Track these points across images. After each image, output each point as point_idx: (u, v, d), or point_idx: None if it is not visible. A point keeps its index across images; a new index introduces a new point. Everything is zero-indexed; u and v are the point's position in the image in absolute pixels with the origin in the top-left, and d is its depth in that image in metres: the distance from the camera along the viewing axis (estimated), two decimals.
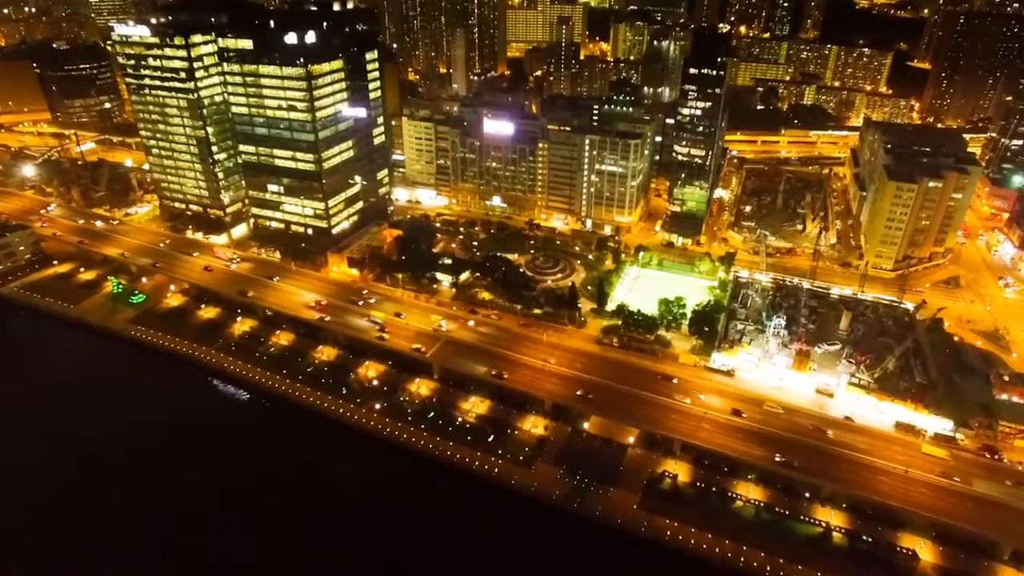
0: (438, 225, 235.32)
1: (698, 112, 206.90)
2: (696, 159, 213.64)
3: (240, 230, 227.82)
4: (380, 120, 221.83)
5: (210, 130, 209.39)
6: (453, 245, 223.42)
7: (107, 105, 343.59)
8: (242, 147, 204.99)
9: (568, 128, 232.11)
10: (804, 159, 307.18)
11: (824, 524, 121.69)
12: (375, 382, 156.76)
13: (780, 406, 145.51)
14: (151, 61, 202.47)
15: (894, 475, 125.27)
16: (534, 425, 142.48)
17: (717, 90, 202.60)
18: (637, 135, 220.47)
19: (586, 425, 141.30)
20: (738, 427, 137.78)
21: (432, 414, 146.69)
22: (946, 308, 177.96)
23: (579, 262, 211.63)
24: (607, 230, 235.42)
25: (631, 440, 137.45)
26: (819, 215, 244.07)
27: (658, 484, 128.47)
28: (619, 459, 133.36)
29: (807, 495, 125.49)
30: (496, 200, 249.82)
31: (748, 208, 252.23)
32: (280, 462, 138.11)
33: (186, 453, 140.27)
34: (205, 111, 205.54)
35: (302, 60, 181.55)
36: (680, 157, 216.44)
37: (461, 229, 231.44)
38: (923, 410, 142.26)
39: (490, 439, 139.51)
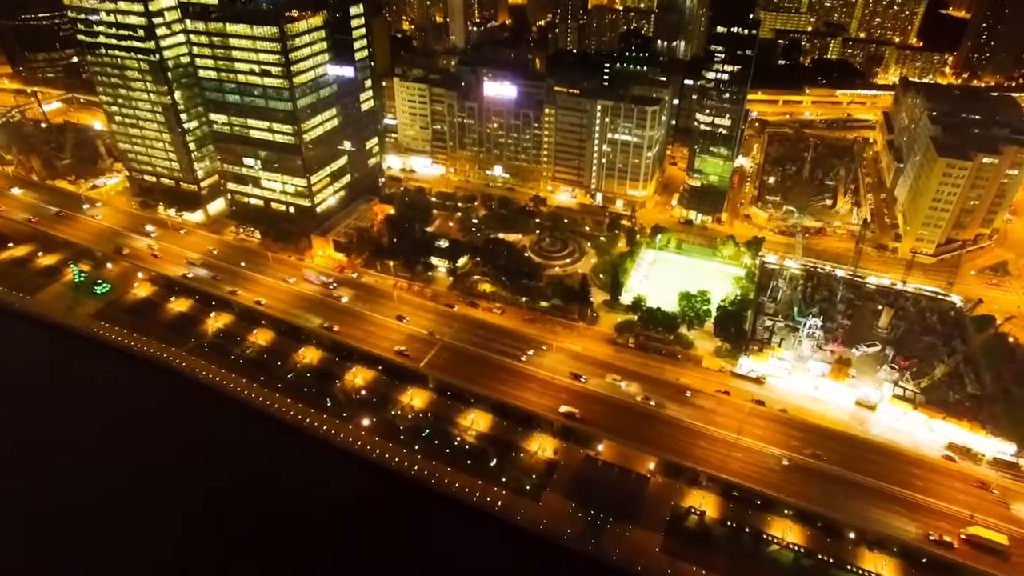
0: (434, 199, 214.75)
1: (724, 76, 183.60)
2: (721, 129, 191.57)
3: (218, 205, 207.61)
4: (368, 83, 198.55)
5: (177, 96, 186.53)
6: (451, 224, 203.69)
7: (75, 59, 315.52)
8: (213, 116, 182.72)
9: (576, 91, 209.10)
10: (830, 122, 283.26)
11: None
12: (363, 392, 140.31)
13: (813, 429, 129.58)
14: (104, 16, 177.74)
15: (958, 520, 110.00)
16: (541, 447, 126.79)
17: (748, 52, 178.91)
18: (655, 101, 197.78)
19: (600, 447, 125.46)
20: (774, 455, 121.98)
21: (427, 432, 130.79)
22: (984, 301, 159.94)
23: (589, 244, 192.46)
24: (619, 205, 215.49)
25: (651, 467, 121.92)
26: (850, 189, 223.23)
27: (683, 521, 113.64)
28: (639, 491, 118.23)
29: (851, 536, 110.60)
30: (498, 170, 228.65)
31: (772, 180, 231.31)
32: (253, 485, 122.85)
33: (142, 473, 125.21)
34: (170, 74, 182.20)
35: (275, 18, 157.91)
36: (702, 126, 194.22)
37: (459, 204, 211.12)
38: (980, 429, 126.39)
39: (492, 463, 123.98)
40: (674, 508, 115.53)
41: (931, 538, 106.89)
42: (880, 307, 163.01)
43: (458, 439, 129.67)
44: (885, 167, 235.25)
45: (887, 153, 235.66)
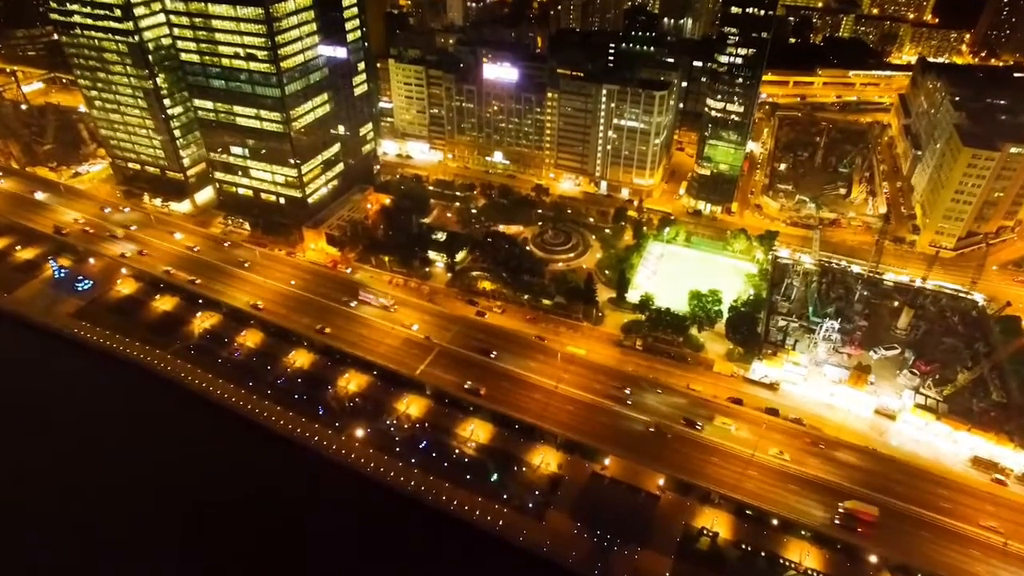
0: (431, 188, 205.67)
1: (738, 60, 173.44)
2: (733, 115, 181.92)
3: (206, 194, 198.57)
4: (362, 65, 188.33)
5: (160, 80, 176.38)
6: (449, 215, 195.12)
7: (56, 36, 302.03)
8: (197, 102, 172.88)
9: (580, 74, 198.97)
10: (843, 105, 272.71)
11: None
12: (357, 399, 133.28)
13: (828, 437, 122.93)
14: None
15: (989, 548, 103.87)
16: (544, 461, 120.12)
17: (763, 34, 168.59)
18: (664, 85, 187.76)
19: (607, 461, 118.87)
20: (792, 473, 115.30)
21: (424, 443, 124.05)
22: (1011, 304, 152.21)
23: (594, 237, 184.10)
24: (624, 193, 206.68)
25: (660, 483, 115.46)
26: (865, 177, 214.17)
27: (694, 543, 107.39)
28: (648, 510, 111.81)
29: (872, 560, 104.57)
30: (498, 156, 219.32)
31: (783, 167, 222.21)
32: (240, 499, 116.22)
33: (120, 482, 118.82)
34: (151, 57, 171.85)
35: None
36: (714, 112, 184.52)
37: (457, 193, 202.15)
38: (1007, 442, 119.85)
39: (493, 478, 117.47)
40: (685, 528, 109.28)
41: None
42: (895, 303, 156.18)
43: (457, 451, 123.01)
44: (901, 153, 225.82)
45: (903, 139, 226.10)
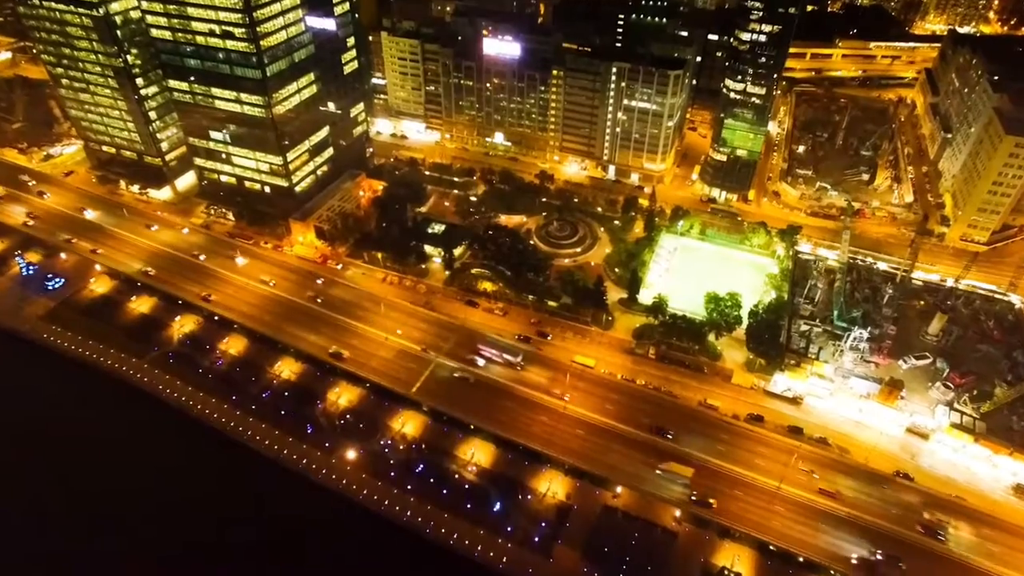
0: (428, 173, 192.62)
1: (761, 38, 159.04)
2: (754, 98, 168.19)
3: (188, 179, 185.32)
4: (351, 41, 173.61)
5: (130, 58, 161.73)
6: (446, 203, 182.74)
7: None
8: (172, 83, 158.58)
9: (588, 49, 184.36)
10: (864, 80, 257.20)
11: None
12: (348, 416, 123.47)
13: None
14: None
15: None
16: (551, 489, 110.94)
17: (791, 9, 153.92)
18: (678, 63, 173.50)
19: (619, 489, 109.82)
20: (822, 509, 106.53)
21: (421, 467, 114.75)
22: None
23: (602, 228, 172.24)
24: (634, 178, 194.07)
25: (677, 514, 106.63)
26: (889, 161, 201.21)
27: None
28: (664, 547, 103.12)
29: None
30: (499, 137, 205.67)
31: (801, 149, 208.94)
32: (222, 525, 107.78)
33: (89, 504, 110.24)
34: (119, 32, 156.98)
35: None
36: (732, 94, 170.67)
37: (456, 180, 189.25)
38: None
39: (496, 507, 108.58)
40: (704, 566, 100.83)
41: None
42: (920, 303, 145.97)
43: (456, 476, 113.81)
44: (927, 135, 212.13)
45: (930, 118, 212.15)
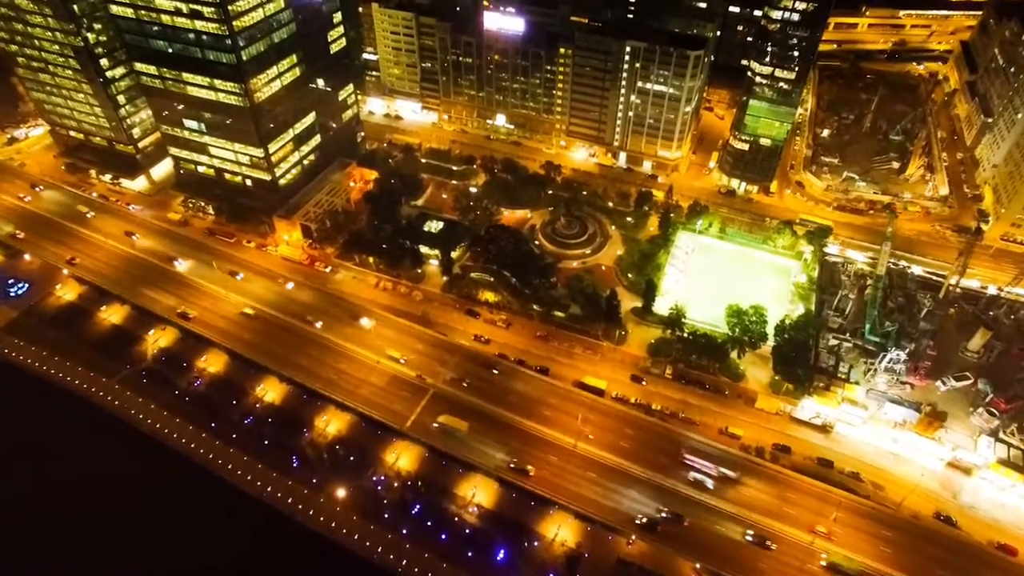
0: (424, 160, 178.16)
1: (795, 17, 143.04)
2: (782, 82, 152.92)
3: (164, 168, 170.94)
4: (338, 16, 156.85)
5: (91, 36, 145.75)
6: (444, 195, 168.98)
7: None
8: (139, 66, 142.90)
9: (599, 24, 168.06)
10: (892, 52, 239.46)
11: None
12: (337, 447, 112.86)
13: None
14: None
15: None
16: (560, 537, 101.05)
17: None
18: (699, 42, 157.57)
19: (633, 536, 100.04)
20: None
21: (418, 508, 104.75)
22: None
23: (613, 226, 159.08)
24: (646, 167, 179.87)
25: (697, 566, 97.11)
26: (922, 148, 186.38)
27: None
28: None
29: None
30: (500, 120, 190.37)
31: (826, 133, 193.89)
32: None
33: (51, 543, 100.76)
34: (76, 8, 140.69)
35: None
36: (759, 78, 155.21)
37: (454, 168, 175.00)
38: None
39: (500, 555, 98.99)
40: None
41: None
42: (952, 310, 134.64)
43: (456, 518, 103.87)
44: (964, 117, 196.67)
45: (966, 99, 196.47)
